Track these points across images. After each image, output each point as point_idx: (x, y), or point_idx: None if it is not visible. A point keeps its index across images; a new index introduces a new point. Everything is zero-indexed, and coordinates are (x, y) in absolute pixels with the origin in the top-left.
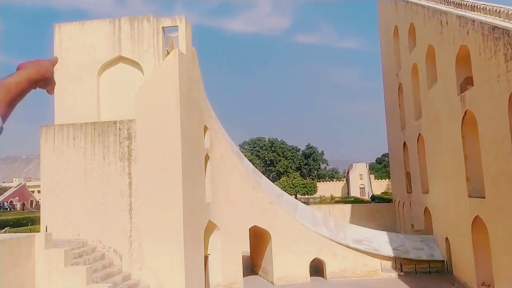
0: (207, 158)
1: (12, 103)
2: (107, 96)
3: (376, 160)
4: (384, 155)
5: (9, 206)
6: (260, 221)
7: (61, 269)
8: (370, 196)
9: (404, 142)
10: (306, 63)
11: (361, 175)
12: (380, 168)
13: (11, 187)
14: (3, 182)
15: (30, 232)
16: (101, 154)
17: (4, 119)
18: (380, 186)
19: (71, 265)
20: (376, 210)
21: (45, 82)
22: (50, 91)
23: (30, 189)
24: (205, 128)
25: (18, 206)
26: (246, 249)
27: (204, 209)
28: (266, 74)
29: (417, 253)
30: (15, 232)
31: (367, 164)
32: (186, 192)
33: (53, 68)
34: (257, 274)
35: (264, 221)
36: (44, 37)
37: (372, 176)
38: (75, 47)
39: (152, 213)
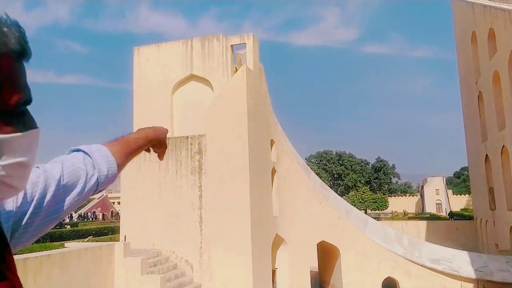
0: (273, 171)
1: (129, 155)
2: (179, 113)
3: (454, 174)
4: (463, 169)
5: (92, 216)
6: (328, 236)
7: (137, 277)
8: (448, 213)
9: (486, 155)
10: (376, 74)
11: (437, 190)
12: (458, 182)
13: (94, 198)
14: None
15: (110, 241)
16: (174, 167)
17: (120, 169)
18: (459, 202)
19: (147, 273)
20: (455, 227)
21: (159, 144)
22: (160, 155)
23: (111, 201)
24: (272, 142)
25: (100, 216)
26: (314, 264)
27: (271, 223)
28: (334, 87)
29: (503, 276)
30: (97, 241)
31: (444, 178)
32: (254, 205)
33: (166, 136)
34: None
35: (333, 236)
36: (124, 59)
37: (449, 191)
38: (151, 68)
39: (221, 225)
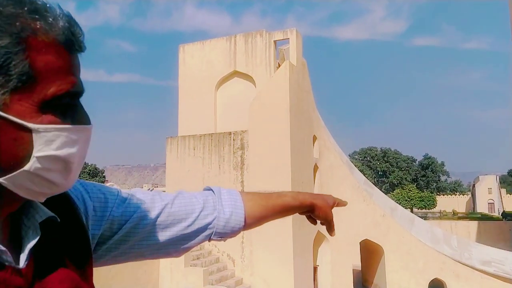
0: (316, 168)
1: (266, 210)
2: (223, 109)
3: (508, 172)
4: None
5: None
6: (372, 234)
7: (181, 269)
8: (501, 213)
9: None
10: (425, 67)
11: (489, 188)
12: None
13: None
14: (135, 188)
15: None
16: (217, 163)
17: (248, 222)
18: None
19: (190, 266)
20: (508, 228)
21: (321, 213)
22: (329, 230)
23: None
24: (314, 138)
25: None
26: (357, 262)
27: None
28: (380, 81)
29: None
30: None
31: (497, 177)
32: None
33: (331, 205)
34: None
35: (376, 235)
36: (171, 57)
37: (503, 190)
38: (196, 65)
39: None
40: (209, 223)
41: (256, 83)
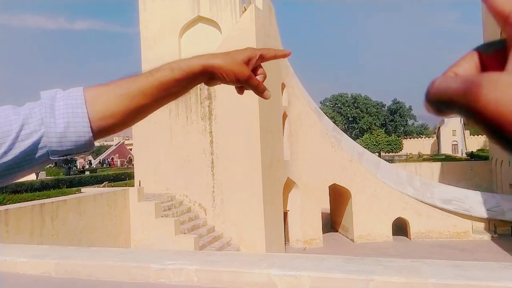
0: (285, 116)
1: (129, 100)
2: (188, 56)
3: None
4: None
5: (109, 162)
6: (340, 179)
7: (152, 220)
8: (464, 153)
9: None
10: (396, 10)
11: (454, 131)
12: None
13: (112, 145)
14: (105, 141)
15: (126, 186)
16: (184, 113)
17: (100, 129)
18: (476, 143)
19: (161, 217)
20: (469, 168)
21: (229, 77)
22: (239, 89)
23: (128, 147)
24: (283, 86)
25: (118, 162)
26: (326, 206)
27: (282, 167)
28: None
29: None
30: (113, 186)
31: (461, 119)
32: (265, 150)
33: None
34: (337, 231)
35: (344, 179)
36: (126, 2)
37: (467, 132)
38: (157, 10)
39: (233, 169)
40: (36, 143)
41: (222, 29)
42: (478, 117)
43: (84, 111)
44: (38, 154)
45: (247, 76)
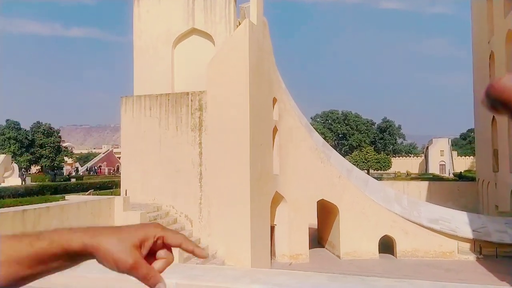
0: (275, 130)
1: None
2: (181, 68)
3: (460, 136)
4: (469, 130)
5: (97, 170)
6: (328, 195)
7: None
8: (451, 173)
9: (493, 117)
10: (389, 32)
11: (442, 151)
12: (464, 144)
13: (100, 153)
14: (94, 149)
15: (112, 194)
16: (174, 124)
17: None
18: (463, 163)
19: None
20: (456, 188)
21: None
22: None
23: (116, 156)
24: (274, 100)
25: (106, 170)
26: (313, 221)
27: (271, 180)
28: (343, 45)
29: (500, 236)
30: (98, 195)
31: (449, 140)
32: (254, 163)
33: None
34: (324, 247)
35: (332, 195)
36: (129, 10)
37: (454, 153)
38: (152, 20)
39: (221, 181)
40: None
41: (215, 42)
42: None
43: None
44: None
45: (129, 266)
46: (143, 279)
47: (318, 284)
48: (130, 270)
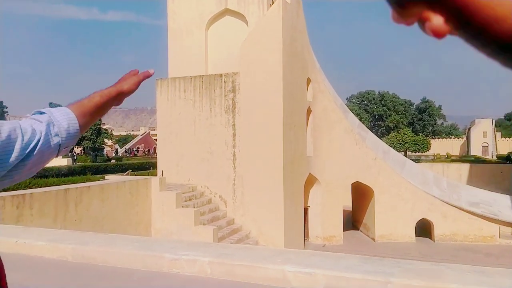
0: (309, 111)
1: (89, 114)
2: (214, 49)
3: (504, 116)
4: None
5: (135, 151)
6: (363, 177)
7: (173, 209)
8: (494, 155)
9: None
10: None
11: (484, 132)
12: (509, 125)
13: (138, 135)
14: (132, 131)
15: (148, 175)
16: (208, 106)
17: (82, 127)
18: (507, 145)
19: (182, 207)
20: (499, 171)
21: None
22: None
23: (153, 137)
24: (308, 80)
25: (144, 152)
26: (347, 203)
27: (304, 162)
28: (381, 23)
29: None
30: (136, 175)
31: (493, 120)
32: (287, 144)
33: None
34: (358, 230)
35: (368, 177)
36: None
37: (498, 134)
38: (185, 2)
39: (254, 163)
40: (47, 139)
41: (248, 22)
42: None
43: (74, 115)
44: (53, 145)
45: (135, 80)
46: (145, 76)
47: (351, 265)
48: (139, 80)
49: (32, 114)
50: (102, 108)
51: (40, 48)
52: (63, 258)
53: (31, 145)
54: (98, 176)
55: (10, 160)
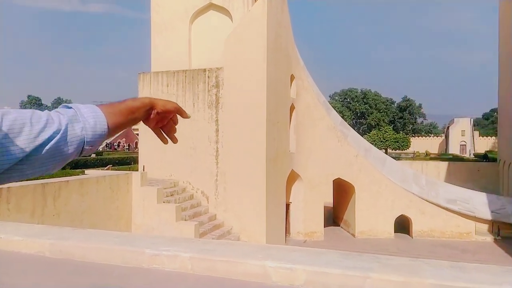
0: (292, 108)
1: (120, 115)
2: (198, 44)
3: (482, 116)
4: (493, 110)
5: (116, 146)
6: (345, 173)
7: (154, 205)
8: (471, 154)
9: None
10: (411, 4)
11: (463, 131)
12: (486, 124)
13: None
14: None
15: (129, 170)
16: (191, 100)
17: (110, 129)
18: (484, 144)
19: (163, 202)
20: (477, 169)
21: (163, 112)
22: (167, 133)
23: (135, 132)
24: (292, 77)
25: (125, 146)
26: (329, 200)
27: (287, 158)
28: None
29: None
30: (116, 170)
31: (471, 120)
32: (270, 141)
33: (170, 107)
34: (339, 226)
35: (349, 174)
36: None
37: (476, 133)
38: None
39: (237, 159)
40: (74, 132)
41: (233, 18)
42: None
43: (102, 114)
44: (75, 142)
45: (175, 104)
46: (181, 111)
47: (331, 261)
48: (175, 106)
49: (59, 108)
50: (134, 112)
51: (21, 40)
52: (40, 253)
53: (44, 137)
54: (78, 170)
55: (12, 152)
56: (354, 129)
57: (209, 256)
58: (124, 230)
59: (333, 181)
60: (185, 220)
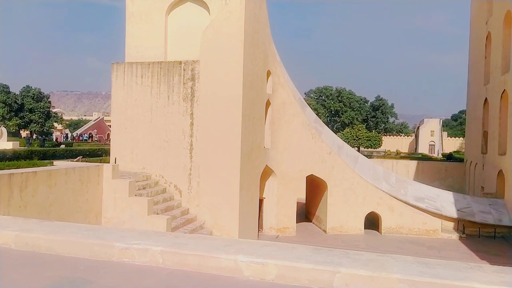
0: (268, 103)
1: None
2: (174, 36)
3: (451, 117)
4: (461, 112)
5: (87, 137)
6: (318, 170)
7: (125, 198)
8: (440, 154)
9: (486, 99)
10: (388, 7)
11: (432, 131)
12: (455, 125)
13: (91, 120)
14: (84, 116)
15: (101, 162)
16: (166, 93)
17: None
18: (452, 144)
19: (135, 195)
20: (444, 168)
21: None
22: None
23: (107, 123)
24: (268, 73)
25: (96, 138)
26: (302, 196)
27: (262, 154)
28: (343, 21)
29: (483, 217)
30: (87, 162)
31: (441, 120)
32: (245, 136)
33: None
34: (311, 222)
35: (322, 171)
36: None
37: (444, 133)
38: None
39: (212, 153)
40: None
41: (210, 10)
42: None
43: None
44: None
45: None
46: None
47: (302, 256)
48: None
49: None
50: None
51: None
52: (5, 245)
53: None
54: (46, 161)
55: None
56: (328, 127)
57: (180, 250)
58: (93, 223)
59: (306, 177)
60: (157, 214)
